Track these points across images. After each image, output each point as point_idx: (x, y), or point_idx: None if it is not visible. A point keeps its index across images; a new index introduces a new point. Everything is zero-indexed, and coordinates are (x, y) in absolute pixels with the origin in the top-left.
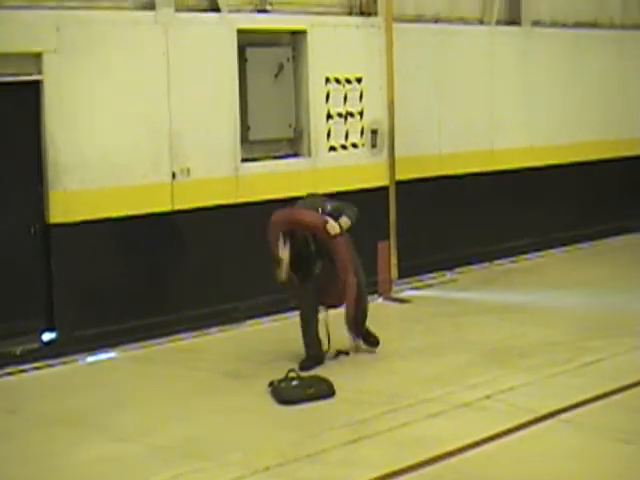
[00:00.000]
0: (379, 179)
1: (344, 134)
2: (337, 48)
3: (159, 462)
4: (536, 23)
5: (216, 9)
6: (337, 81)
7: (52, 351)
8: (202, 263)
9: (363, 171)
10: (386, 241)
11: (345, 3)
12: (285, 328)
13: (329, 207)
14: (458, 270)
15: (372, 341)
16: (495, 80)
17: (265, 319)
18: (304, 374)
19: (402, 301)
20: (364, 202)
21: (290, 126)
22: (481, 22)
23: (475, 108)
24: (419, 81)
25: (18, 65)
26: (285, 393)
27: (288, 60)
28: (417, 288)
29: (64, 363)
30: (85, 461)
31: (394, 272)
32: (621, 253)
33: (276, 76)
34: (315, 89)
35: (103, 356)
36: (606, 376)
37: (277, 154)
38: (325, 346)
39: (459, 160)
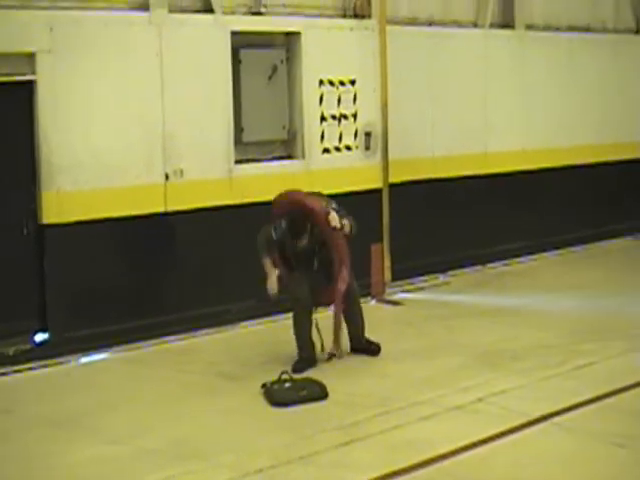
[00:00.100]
0: (372, 181)
1: (338, 136)
2: (331, 50)
3: (151, 464)
4: (530, 26)
5: (210, 10)
6: (331, 83)
7: (45, 352)
8: (195, 265)
9: (356, 173)
10: (379, 243)
11: (339, 5)
12: (278, 330)
13: (333, 205)
14: (451, 273)
15: (373, 349)
16: (489, 83)
17: (258, 321)
18: (297, 376)
19: (395, 304)
20: (357, 204)
21: (284, 128)
22: (475, 25)
23: (469, 111)
24: (413, 84)
25: (11, 65)
26: (278, 395)
27: (282, 62)
28: (410, 291)
29: (57, 364)
30: (78, 462)
31: (387, 275)
32: (614, 256)
33: (270, 78)
34: (309, 91)
35: (95, 357)
36: (599, 379)
37: (271, 156)
38: (318, 348)
39: (452, 163)
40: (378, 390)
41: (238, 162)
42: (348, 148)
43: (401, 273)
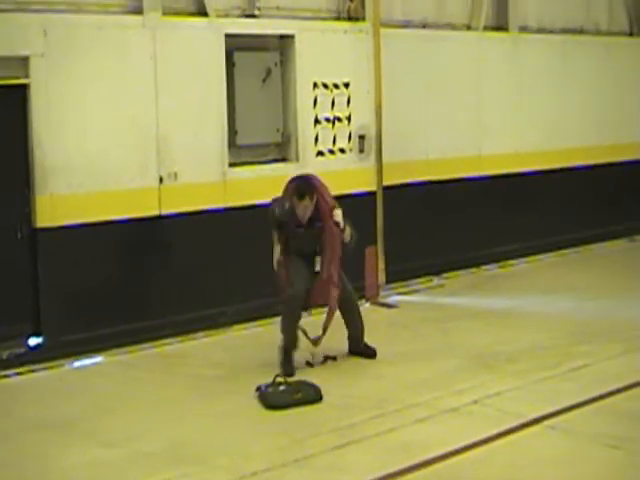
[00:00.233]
0: (367, 184)
1: (332, 139)
2: (325, 53)
3: (146, 467)
4: (523, 29)
5: (204, 13)
6: (325, 86)
7: (39, 356)
8: (189, 268)
9: (351, 176)
10: (373, 246)
11: (333, 8)
12: (273, 333)
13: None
14: (446, 275)
15: (369, 353)
16: (483, 85)
17: (253, 324)
18: (291, 379)
19: (389, 306)
20: (352, 207)
21: (278, 131)
22: (469, 28)
23: (463, 113)
24: (407, 86)
25: (5, 69)
26: (272, 398)
27: (276, 65)
28: (404, 293)
29: (51, 368)
30: (73, 466)
31: (381, 277)
32: (609, 259)
33: (264, 81)
34: (303, 94)
35: (90, 361)
36: (595, 381)
37: (265, 159)
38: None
39: (447, 165)
40: (373, 392)
41: (232, 165)
42: (342, 151)
43: (395, 275)
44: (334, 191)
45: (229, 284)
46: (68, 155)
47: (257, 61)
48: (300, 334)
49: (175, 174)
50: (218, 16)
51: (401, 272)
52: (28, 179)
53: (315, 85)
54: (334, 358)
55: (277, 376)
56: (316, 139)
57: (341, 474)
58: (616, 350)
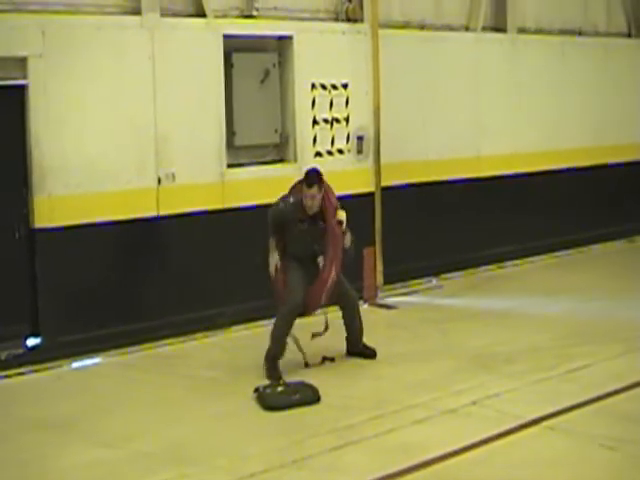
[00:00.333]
0: (365, 185)
1: (330, 140)
2: (323, 54)
3: (144, 468)
4: (522, 30)
5: (202, 14)
6: (323, 87)
7: (37, 357)
8: (188, 269)
9: (349, 177)
10: (372, 247)
11: (331, 9)
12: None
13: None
14: (444, 276)
15: (368, 353)
16: (481, 86)
17: (251, 325)
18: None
19: (388, 307)
20: (350, 208)
21: (276, 132)
22: (467, 29)
23: (461, 114)
24: (405, 87)
25: (3, 69)
26: (270, 399)
27: (274, 66)
28: (403, 294)
29: (49, 369)
30: (71, 466)
31: (380, 278)
32: (608, 260)
33: (262, 82)
34: (301, 95)
35: (88, 362)
36: (592, 382)
37: (263, 160)
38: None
39: (445, 166)
40: (372, 393)
41: (230, 166)
42: (340, 152)
43: (394, 277)
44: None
45: (227, 285)
46: (66, 155)
47: (255, 62)
48: (291, 341)
49: (173, 175)
50: (216, 17)
51: (399, 273)
52: (26, 179)
53: (313, 86)
54: (332, 359)
55: (266, 387)
56: (314, 140)
57: (339, 475)
58: (615, 351)
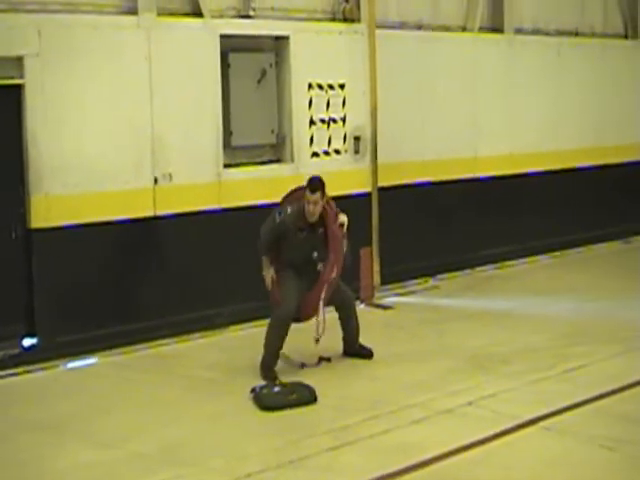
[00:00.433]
0: (362, 185)
1: (327, 140)
2: (320, 54)
3: (141, 468)
4: (519, 31)
5: (199, 14)
6: (320, 87)
7: (33, 357)
8: (184, 268)
9: (346, 177)
10: (368, 247)
11: (328, 9)
12: None
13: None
14: (441, 276)
15: (365, 353)
16: (478, 87)
17: (248, 325)
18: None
19: (385, 307)
20: (347, 208)
21: (273, 132)
22: (464, 29)
23: (458, 115)
24: (402, 88)
25: (0, 69)
26: (267, 399)
27: (271, 66)
28: (400, 294)
29: (45, 369)
30: (67, 467)
31: (377, 278)
32: (605, 260)
33: (259, 82)
34: (298, 95)
35: (84, 362)
36: (589, 382)
37: (260, 160)
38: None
39: (442, 167)
40: (368, 394)
41: (227, 166)
42: (337, 152)
43: (391, 277)
44: (329, 192)
45: (225, 285)
46: (63, 155)
47: (252, 62)
48: (282, 356)
49: (170, 175)
50: (213, 17)
51: (396, 273)
52: (23, 179)
53: (310, 86)
54: (329, 359)
55: (262, 387)
56: (311, 140)
57: (336, 475)
58: (612, 351)
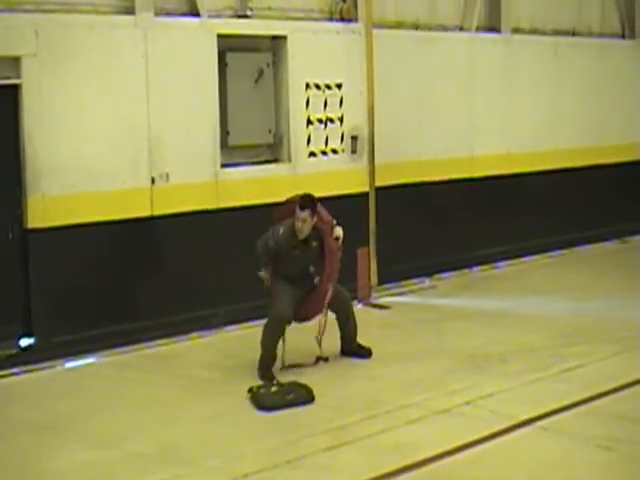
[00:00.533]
0: (359, 185)
1: (324, 140)
2: (317, 54)
3: (138, 468)
4: (516, 30)
5: (196, 14)
6: (317, 87)
7: (30, 357)
8: (181, 268)
9: (343, 177)
10: (366, 247)
11: (325, 9)
12: None
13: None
14: (438, 276)
15: (363, 353)
16: (475, 87)
17: (245, 325)
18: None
19: (382, 307)
20: (344, 208)
21: (270, 132)
22: (461, 29)
23: (455, 115)
24: (399, 87)
25: None
26: (264, 399)
27: (268, 65)
28: (397, 294)
29: (42, 369)
30: (65, 467)
31: (374, 278)
32: (601, 260)
33: (256, 81)
34: (295, 95)
35: (82, 362)
36: (586, 382)
37: (257, 160)
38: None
39: (439, 166)
40: (366, 393)
41: (224, 166)
42: (334, 152)
43: (388, 277)
44: (326, 192)
45: (222, 285)
46: (60, 156)
47: (249, 62)
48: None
49: (167, 175)
50: (210, 16)
51: (393, 273)
52: (20, 179)
53: (307, 86)
54: (326, 359)
55: (260, 387)
56: (308, 140)
57: (333, 475)
58: (609, 351)
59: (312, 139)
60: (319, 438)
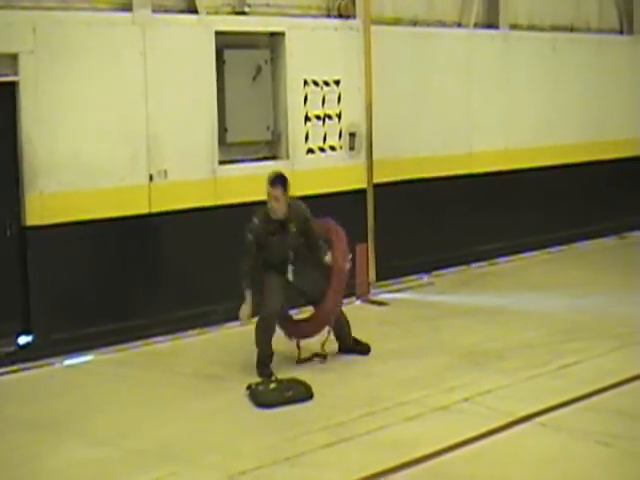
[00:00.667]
0: (357, 182)
1: (322, 137)
2: (315, 50)
3: (136, 465)
4: (514, 26)
5: (194, 11)
6: (315, 83)
7: (28, 354)
8: (180, 266)
9: (341, 174)
10: (364, 243)
11: (323, 5)
12: None
13: (311, 231)
14: (436, 273)
15: (360, 349)
16: (473, 83)
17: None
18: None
19: (380, 304)
20: (342, 205)
21: (268, 128)
22: (459, 25)
23: (453, 111)
24: (397, 84)
25: None
26: (263, 396)
27: (266, 62)
28: (395, 291)
29: (40, 366)
30: (63, 465)
31: (372, 275)
32: (600, 256)
33: (254, 78)
34: (293, 91)
35: (80, 359)
36: (584, 378)
37: (255, 156)
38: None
39: (437, 163)
40: (364, 390)
41: (222, 163)
42: (332, 148)
43: (386, 273)
44: (324, 189)
45: (220, 282)
46: (58, 153)
47: (247, 58)
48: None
49: (165, 172)
50: (208, 13)
51: (392, 269)
52: (17, 177)
53: (305, 82)
54: (324, 356)
55: (258, 384)
56: (306, 137)
57: (332, 472)
58: (607, 347)
59: (310, 136)
60: (318, 435)
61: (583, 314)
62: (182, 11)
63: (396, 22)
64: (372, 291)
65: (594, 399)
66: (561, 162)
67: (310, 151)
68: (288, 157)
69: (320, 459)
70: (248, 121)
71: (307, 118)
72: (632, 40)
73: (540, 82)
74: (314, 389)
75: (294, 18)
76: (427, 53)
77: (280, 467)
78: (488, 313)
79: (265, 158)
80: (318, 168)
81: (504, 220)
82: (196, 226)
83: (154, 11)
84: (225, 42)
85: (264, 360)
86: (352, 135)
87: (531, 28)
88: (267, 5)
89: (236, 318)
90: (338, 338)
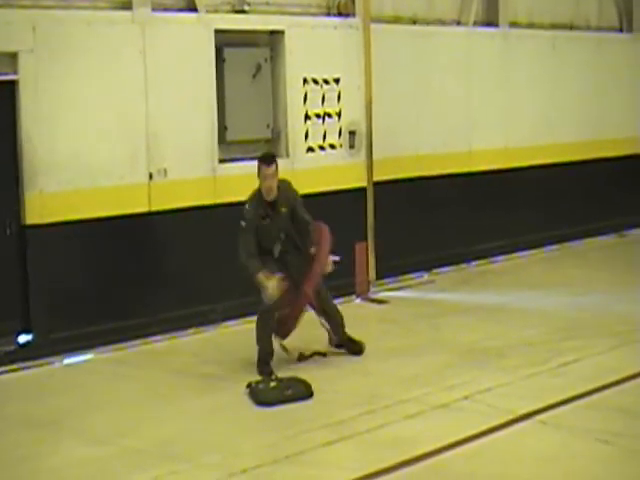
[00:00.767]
0: (357, 180)
1: (322, 135)
2: (315, 49)
3: (136, 464)
4: (513, 24)
5: (194, 9)
6: (315, 82)
7: (28, 353)
8: (179, 264)
9: (341, 172)
10: (364, 242)
11: (323, 4)
12: None
13: (300, 212)
14: (436, 271)
15: (354, 349)
16: (473, 81)
17: (242, 320)
18: (282, 377)
19: (380, 302)
20: (342, 203)
21: (268, 127)
22: (459, 23)
23: (453, 109)
24: (397, 82)
25: None
26: (263, 395)
27: (266, 60)
28: (395, 289)
29: (40, 365)
30: (62, 464)
31: (372, 273)
32: (599, 254)
33: (254, 76)
34: (293, 90)
35: (79, 358)
36: (584, 376)
37: (255, 155)
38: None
39: (437, 161)
40: (364, 388)
41: (222, 161)
42: (332, 147)
43: (386, 271)
44: (324, 187)
45: (220, 281)
46: (57, 152)
47: (247, 57)
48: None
49: (165, 170)
50: (208, 12)
51: (391, 268)
52: (17, 176)
53: (305, 81)
54: (324, 354)
55: (258, 382)
56: (306, 135)
57: (332, 470)
58: (606, 345)
59: (310, 134)
60: (318, 433)
61: (583, 312)
62: (182, 9)
63: (396, 20)
64: (372, 289)
65: (594, 397)
66: (561, 160)
67: (310, 149)
68: (288, 155)
69: (320, 457)
70: (248, 119)
71: (307, 116)
72: (632, 38)
73: (540, 80)
74: (314, 387)
75: (294, 16)
76: (427, 51)
77: (280, 465)
78: (488, 311)
79: None
80: (318, 166)
81: (504, 218)
82: (196, 225)
83: (154, 10)
84: (225, 40)
85: (264, 358)
86: (352, 133)
87: (531, 26)
88: (267, 3)
89: (236, 316)
90: (334, 331)
